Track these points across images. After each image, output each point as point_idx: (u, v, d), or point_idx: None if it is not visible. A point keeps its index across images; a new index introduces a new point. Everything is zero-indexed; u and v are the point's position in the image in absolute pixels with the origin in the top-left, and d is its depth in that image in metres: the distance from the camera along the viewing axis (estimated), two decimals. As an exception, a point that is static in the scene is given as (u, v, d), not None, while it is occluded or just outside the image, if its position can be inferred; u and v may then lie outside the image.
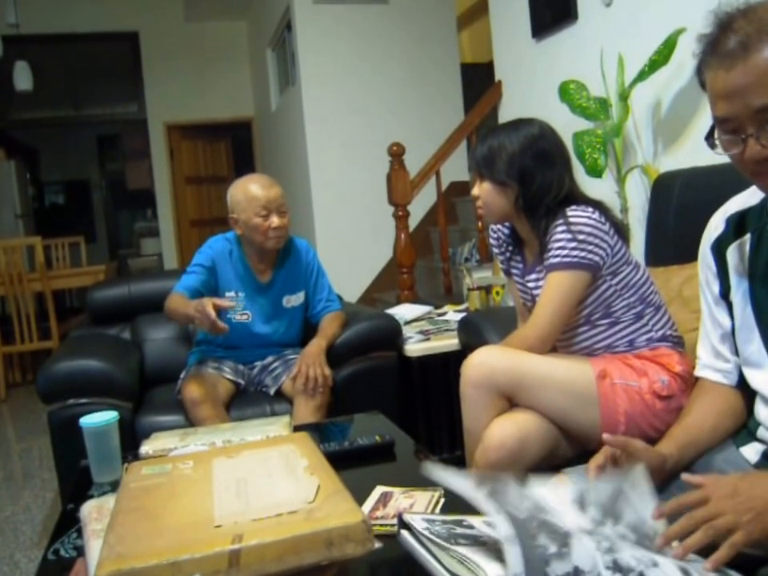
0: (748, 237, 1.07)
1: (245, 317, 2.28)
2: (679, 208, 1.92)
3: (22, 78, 5.50)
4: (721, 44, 0.88)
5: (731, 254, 1.09)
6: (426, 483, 1.25)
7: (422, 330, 2.70)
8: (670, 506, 0.89)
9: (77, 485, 1.46)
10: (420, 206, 4.37)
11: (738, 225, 1.09)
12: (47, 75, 6.35)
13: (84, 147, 9.46)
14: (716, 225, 1.13)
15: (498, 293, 2.92)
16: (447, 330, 2.65)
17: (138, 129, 7.26)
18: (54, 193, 9.66)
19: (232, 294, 2.26)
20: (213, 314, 1.88)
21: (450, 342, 2.50)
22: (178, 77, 6.89)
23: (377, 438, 1.52)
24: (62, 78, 7.19)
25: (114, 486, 1.34)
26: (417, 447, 1.61)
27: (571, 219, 1.50)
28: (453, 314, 2.91)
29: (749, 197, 1.08)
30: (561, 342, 1.63)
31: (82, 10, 6.56)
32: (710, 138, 0.94)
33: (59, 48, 6.89)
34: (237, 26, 7.10)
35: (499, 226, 1.75)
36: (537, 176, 1.56)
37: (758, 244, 1.05)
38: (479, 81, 4.63)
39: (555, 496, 0.98)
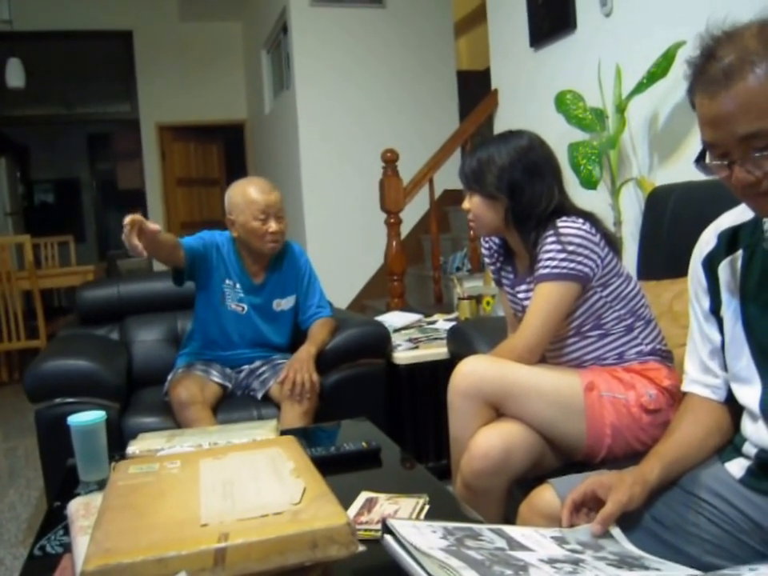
0: (740, 253, 1.07)
1: (240, 308, 2.29)
2: (673, 222, 1.92)
3: (15, 75, 5.48)
4: (705, 71, 0.90)
5: (723, 270, 1.10)
6: (411, 490, 1.27)
7: (411, 337, 2.70)
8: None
9: (63, 483, 1.46)
10: (413, 212, 4.38)
11: (729, 241, 1.09)
12: (39, 73, 6.32)
13: (75, 146, 9.42)
14: (707, 240, 1.13)
15: (488, 303, 2.93)
16: (436, 339, 2.65)
17: (130, 129, 7.23)
18: (43, 191, 9.62)
19: (231, 282, 2.27)
20: (127, 220, 1.75)
21: (438, 351, 2.50)
22: (171, 77, 6.88)
23: (363, 444, 1.53)
24: (54, 75, 7.16)
25: (101, 485, 1.35)
26: (403, 455, 1.61)
27: (561, 230, 1.51)
28: (442, 323, 2.92)
29: (741, 213, 1.09)
30: (550, 352, 1.64)
31: (76, 8, 6.55)
32: (700, 160, 0.95)
33: (52, 45, 6.86)
34: (232, 27, 7.09)
35: (491, 237, 1.77)
36: (526, 189, 1.57)
37: (750, 261, 1.06)
38: (476, 88, 4.62)
39: (535, 533, 1.01)
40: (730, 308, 1.09)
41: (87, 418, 1.44)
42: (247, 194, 2.20)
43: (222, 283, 2.26)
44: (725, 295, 1.10)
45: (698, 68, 0.92)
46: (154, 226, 1.83)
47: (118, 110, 7.33)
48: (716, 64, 0.88)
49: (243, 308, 2.29)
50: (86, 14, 6.59)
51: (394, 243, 3.47)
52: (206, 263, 2.23)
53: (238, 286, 2.28)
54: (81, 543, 0.93)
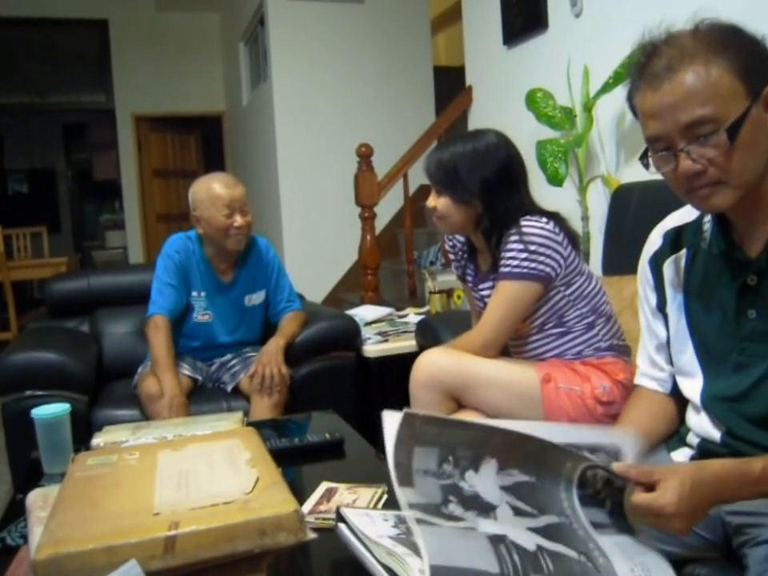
0: (684, 252, 1.12)
1: (206, 317, 2.29)
2: (635, 219, 1.96)
3: (-12, 63, 5.39)
4: (648, 68, 0.95)
5: (667, 268, 1.14)
6: (372, 480, 1.29)
7: (381, 331, 2.72)
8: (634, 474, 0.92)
9: (27, 475, 1.47)
10: (390, 206, 4.39)
11: (674, 240, 1.14)
12: (12, 60, 6.21)
13: (49, 135, 9.25)
14: (654, 240, 1.18)
15: (459, 296, 2.97)
16: (406, 332, 2.68)
17: (106, 119, 7.12)
18: (17, 181, 9.44)
19: (195, 294, 2.28)
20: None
21: (407, 344, 2.53)
22: (147, 67, 6.78)
23: (326, 435, 1.55)
24: (28, 63, 7.04)
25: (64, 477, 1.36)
26: (366, 446, 1.62)
27: (524, 230, 1.52)
28: (413, 317, 2.95)
29: (686, 213, 1.14)
30: (513, 348, 1.67)
31: (51, -6, 6.45)
32: (644, 158, 0.99)
33: (26, 32, 6.72)
34: (209, 18, 7.00)
35: (454, 235, 1.78)
36: (497, 189, 1.56)
37: (693, 259, 1.10)
38: (453, 84, 4.58)
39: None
40: (674, 305, 1.13)
41: (51, 411, 1.45)
42: (211, 189, 2.20)
43: (189, 297, 2.27)
44: (669, 292, 1.14)
45: (641, 66, 0.97)
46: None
47: (93, 99, 7.22)
48: (658, 60, 0.94)
49: (209, 315, 2.30)
50: (61, 1, 6.48)
51: (368, 237, 3.49)
52: (185, 296, 2.26)
53: (203, 294, 2.28)
54: (36, 534, 0.94)
